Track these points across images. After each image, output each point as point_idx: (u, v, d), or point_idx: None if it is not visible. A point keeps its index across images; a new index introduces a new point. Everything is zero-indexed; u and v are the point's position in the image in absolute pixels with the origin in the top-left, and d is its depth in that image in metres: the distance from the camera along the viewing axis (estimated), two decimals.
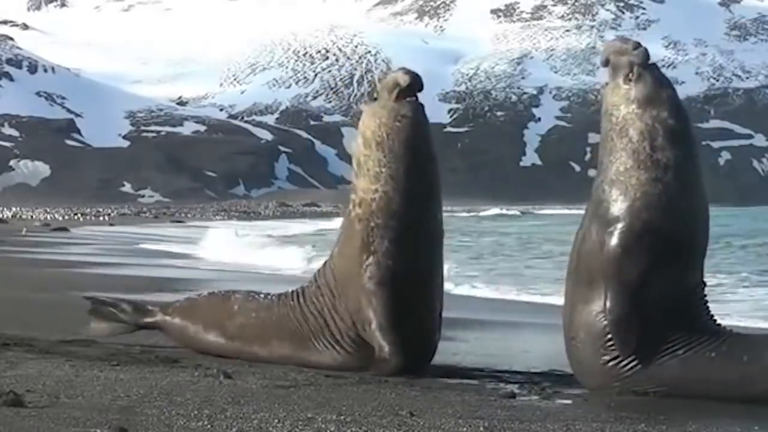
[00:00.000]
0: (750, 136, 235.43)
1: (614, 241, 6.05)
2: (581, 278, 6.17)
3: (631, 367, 6.01)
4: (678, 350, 6.00)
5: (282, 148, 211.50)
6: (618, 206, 6.08)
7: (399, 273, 6.43)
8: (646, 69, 6.16)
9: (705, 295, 6.23)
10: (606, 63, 6.26)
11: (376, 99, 6.64)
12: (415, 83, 6.54)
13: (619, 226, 6.06)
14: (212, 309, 7.24)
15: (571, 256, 6.33)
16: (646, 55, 6.16)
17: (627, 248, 6.02)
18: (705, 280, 6.28)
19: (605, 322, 6.02)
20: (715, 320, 6.23)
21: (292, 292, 7.01)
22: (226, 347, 7.11)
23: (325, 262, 6.92)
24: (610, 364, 6.04)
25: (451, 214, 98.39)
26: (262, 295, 7.21)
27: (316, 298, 6.77)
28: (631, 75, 6.13)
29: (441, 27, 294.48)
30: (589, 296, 6.10)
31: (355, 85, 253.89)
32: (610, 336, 6.01)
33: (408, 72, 6.57)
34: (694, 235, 6.18)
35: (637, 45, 6.19)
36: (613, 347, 6.02)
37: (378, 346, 6.43)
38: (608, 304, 6.00)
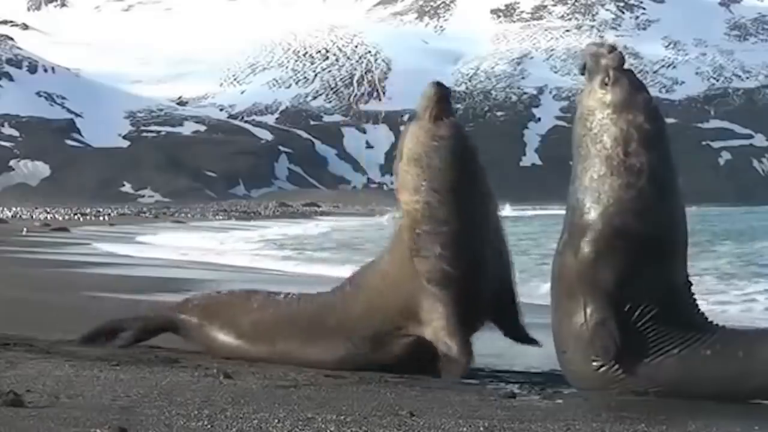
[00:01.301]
0: (750, 136, 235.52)
1: (587, 248, 6.06)
2: (562, 289, 6.19)
3: (625, 370, 6.02)
4: (673, 349, 6.00)
5: (282, 148, 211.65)
6: (591, 214, 6.08)
7: (455, 275, 6.54)
8: (621, 73, 6.12)
9: (693, 294, 6.22)
10: (583, 68, 6.23)
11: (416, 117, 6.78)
12: (443, 100, 6.67)
13: (592, 233, 6.06)
14: (231, 307, 7.32)
15: (552, 267, 6.35)
16: (622, 58, 6.13)
17: (600, 254, 6.03)
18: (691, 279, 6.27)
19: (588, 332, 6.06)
20: (706, 317, 6.22)
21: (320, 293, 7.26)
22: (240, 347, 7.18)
23: (364, 267, 7.14)
24: (602, 369, 6.06)
25: None
26: (281, 295, 7.34)
27: (350, 294, 6.95)
28: (607, 79, 6.10)
29: (441, 27, 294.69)
30: (571, 308, 6.11)
31: (355, 85, 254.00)
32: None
33: (437, 90, 6.68)
34: (672, 235, 6.16)
35: (613, 48, 6.16)
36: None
37: (446, 346, 6.53)
38: (587, 312, 6.03)
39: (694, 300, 6.22)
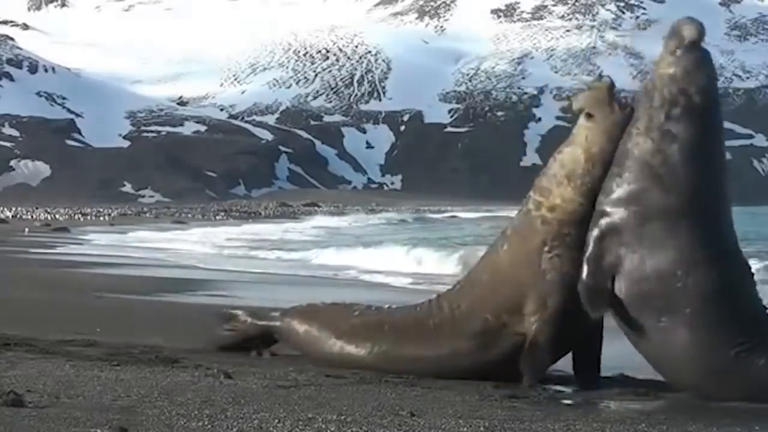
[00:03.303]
0: (750, 136, 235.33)
1: (589, 239, 6.17)
2: None
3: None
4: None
5: (282, 148, 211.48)
6: (609, 183, 6.16)
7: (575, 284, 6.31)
8: (693, 47, 6.13)
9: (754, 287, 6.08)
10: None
11: (590, 116, 6.41)
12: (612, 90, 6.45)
13: (601, 213, 6.14)
14: (333, 314, 7.17)
15: None
16: (699, 34, 6.12)
17: (604, 235, 6.12)
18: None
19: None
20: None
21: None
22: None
23: (475, 264, 6.89)
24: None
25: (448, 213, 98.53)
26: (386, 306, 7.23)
27: (453, 295, 6.73)
28: (679, 51, 6.13)
29: (441, 27, 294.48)
30: None
31: (356, 85, 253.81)
32: None
33: (609, 82, 6.46)
34: (703, 207, 6.04)
35: (700, 26, 6.17)
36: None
37: (536, 331, 6.37)
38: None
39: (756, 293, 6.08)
